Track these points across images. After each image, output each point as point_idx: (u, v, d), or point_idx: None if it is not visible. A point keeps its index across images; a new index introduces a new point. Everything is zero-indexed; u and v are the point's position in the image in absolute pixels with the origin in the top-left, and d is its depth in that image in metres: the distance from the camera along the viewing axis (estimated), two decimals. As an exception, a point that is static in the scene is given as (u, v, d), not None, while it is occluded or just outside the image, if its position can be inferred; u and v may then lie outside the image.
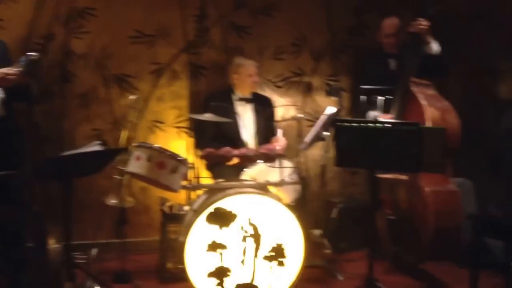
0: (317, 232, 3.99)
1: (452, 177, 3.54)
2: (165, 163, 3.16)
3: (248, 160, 3.48)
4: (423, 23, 3.63)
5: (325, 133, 3.65)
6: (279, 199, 3.24)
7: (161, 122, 4.20)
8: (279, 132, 3.78)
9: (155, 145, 3.31)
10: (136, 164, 3.20)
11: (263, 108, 3.97)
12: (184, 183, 3.27)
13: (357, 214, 4.04)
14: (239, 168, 3.56)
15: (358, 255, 3.73)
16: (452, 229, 3.37)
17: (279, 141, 3.72)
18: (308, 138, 3.70)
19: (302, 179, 3.63)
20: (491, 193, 3.23)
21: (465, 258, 3.32)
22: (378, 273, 3.26)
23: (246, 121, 3.91)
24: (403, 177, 3.58)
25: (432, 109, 3.52)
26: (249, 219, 3.07)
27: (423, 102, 3.54)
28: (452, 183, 3.47)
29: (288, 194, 3.53)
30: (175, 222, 3.42)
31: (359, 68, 4.26)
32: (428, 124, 3.43)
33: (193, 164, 3.40)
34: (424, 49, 3.69)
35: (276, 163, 3.42)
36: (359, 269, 3.24)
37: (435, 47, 3.70)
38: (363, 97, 3.75)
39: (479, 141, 3.79)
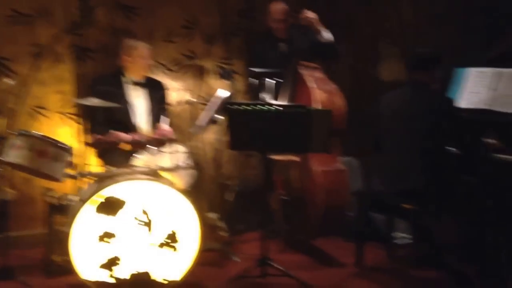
0: (213, 215, 3.99)
1: (341, 156, 3.71)
2: (47, 152, 3.00)
3: (139, 146, 3.39)
4: (310, 15, 3.73)
5: (218, 116, 3.64)
6: (172, 185, 3.19)
7: (44, 108, 3.96)
8: (164, 120, 3.65)
9: (36, 133, 3.12)
10: (15, 154, 3.01)
11: (155, 91, 3.88)
12: (69, 171, 3.13)
13: (252, 196, 4.09)
14: (130, 154, 3.46)
15: (254, 236, 3.79)
16: (340, 206, 3.53)
17: (162, 129, 3.60)
18: (200, 121, 3.67)
19: (196, 164, 3.60)
20: (375, 170, 3.41)
21: (351, 232, 3.50)
22: (272, 252, 3.35)
23: (138, 105, 3.80)
24: (295, 158, 3.69)
25: (320, 92, 3.64)
26: (140, 206, 3.02)
27: (311, 85, 3.66)
28: (339, 162, 3.63)
29: (183, 179, 3.49)
30: (63, 213, 3.26)
31: (250, 52, 4.28)
32: (317, 106, 3.54)
33: (80, 151, 3.25)
34: (315, 37, 3.81)
35: (169, 148, 3.37)
36: (255, 250, 3.29)
37: (325, 35, 3.83)
38: (254, 80, 3.78)
39: (365, 122, 3.97)
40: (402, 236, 3.70)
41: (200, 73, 4.39)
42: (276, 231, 3.87)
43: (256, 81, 3.75)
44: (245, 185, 4.23)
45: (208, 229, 3.39)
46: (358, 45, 4.55)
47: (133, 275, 3.00)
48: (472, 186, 3.05)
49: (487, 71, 3.39)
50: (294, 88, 3.76)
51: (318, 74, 3.79)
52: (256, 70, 3.73)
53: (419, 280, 3.27)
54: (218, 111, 3.61)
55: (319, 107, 3.54)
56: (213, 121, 3.67)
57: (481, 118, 3.27)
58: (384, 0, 4.49)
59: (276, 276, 3.16)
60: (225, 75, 3.93)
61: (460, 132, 3.07)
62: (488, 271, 3.02)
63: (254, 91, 3.80)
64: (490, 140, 3.12)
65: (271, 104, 3.17)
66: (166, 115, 3.78)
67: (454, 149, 3.13)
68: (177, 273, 3.09)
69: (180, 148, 3.43)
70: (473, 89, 3.42)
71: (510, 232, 3.01)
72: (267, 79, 3.64)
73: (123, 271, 3.00)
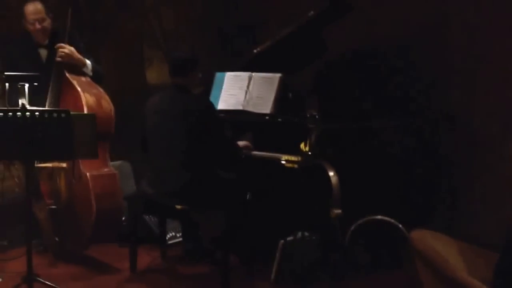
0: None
1: (111, 160, 3.65)
2: None
3: None
4: (64, 51, 3.53)
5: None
6: None
7: None
8: None
9: None
10: None
11: None
12: None
13: (15, 209, 3.78)
14: None
15: (20, 252, 3.51)
16: (112, 211, 3.47)
17: None
18: None
19: None
20: (144, 173, 3.43)
21: (125, 236, 3.47)
22: (41, 267, 3.14)
23: None
24: (63, 164, 3.52)
25: (87, 95, 3.53)
26: None
27: (78, 88, 3.53)
28: (109, 167, 3.57)
29: None
30: None
31: (5, 55, 3.90)
32: (86, 110, 3.43)
33: None
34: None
35: None
36: (22, 267, 3.04)
37: (89, 66, 3.66)
38: (8, 84, 3.47)
39: (135, 125, 3.97)
40: (174, 236, 3.80)
41: None
42: (44, 244, 3.63)
43: (11, 86, 3.45)
44: (7, 197, 3.88)
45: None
46: (122, 48, 4.51)
47: None
48: (232, 182, 3.26)
49: (242, 75, 3.64)
50: (59, 93, 3.58)
51: (84, 78, 3.67)
52: (11, 74, 3.43)
53: (192, 276, 3.38)
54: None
55: (87, 111, 3.43)
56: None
57: (238, 119, 3.50)
58: (144, 2, 4.53)
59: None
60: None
61: (218, 131, 3.22)
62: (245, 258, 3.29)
63: (9, 96, 3.49)
64: (241, 142, 3.37)
65: (29, 110, 2.96)
66: None
67: (212, 148, 3.28)
68: None
69: None
70: (230, 91, 3.65)
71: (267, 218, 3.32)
72: (24, 83, 3.37)
73: None
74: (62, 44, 3.55)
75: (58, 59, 3.55)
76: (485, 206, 3.40)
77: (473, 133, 3.47)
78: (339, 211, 3.00)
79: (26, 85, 3.30)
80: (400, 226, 3.14)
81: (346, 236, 3.10)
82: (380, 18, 3.80)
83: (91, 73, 3.69)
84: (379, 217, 3.14)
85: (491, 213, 3.34)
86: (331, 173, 3.08)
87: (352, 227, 3.12)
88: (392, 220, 3.16)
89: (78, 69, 3.65)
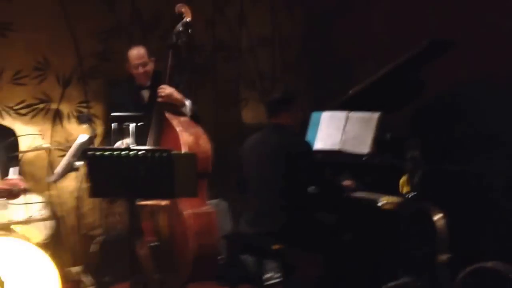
0: (76, 269, 3.73)
1: (209, 199, 3.69)
2: None
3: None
4: (165, 92, 3.62)
5: (77, 163, 3.44)
6: (26, 238, 2.93)
7: None
8: (12, 171, 3.29)
9: None
10: None
11: (2, 139, 3.56)
12: None
13: (118, 245, 3.90)
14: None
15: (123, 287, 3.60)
16: (210, 249, 3.48)
17: (11, 181, 3.28)
18: (58, 169, 3.44)
19: (54, 214, 3.36)
20: (242, 212, 3.45)
21: (224, 276, 3.47)
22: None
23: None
24: (163, 202, 3.59)
25: (186, 135, 3.62)
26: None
27: (177, 128, 3.61)
28: (208, 205, 3.61)
29: (39, 232, 3.23)
30: None
31: (110, 96, 4.13)
32: (183, 149, 3.51)
33: None
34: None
35: (21, 199, 3.10)
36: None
37: (188, 106, 3.75)
38: (114, 125, 3.64)
39: (231, 164, 4.02)
40: (271, 276, 3.75)
41: (55, 117, 4.14)
42: (146, 281, 3.70)
43: (116, 125, 3.62)
44: (111, 234, 4.03)
45: (71, 285, 3.15)
46: (218, 89, 4.62)
47: None
48: (332, 224, 3.19)
49: (338, 115, 3.61)
50: (160, 133, 3.69)
51: (183, 118, 3.77)
52: (117, 114, 3.60)
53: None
54: (77, 157, 3.42)
55: (186, 150, 3.51)
56: (72, 168, 3.46)
57: (335, 159, 3.45)
58: (241, 43, 4.64)
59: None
60: (83, 119, 3.74)
61: (318, 172, 3.20)
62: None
63: (115, 136, 3.66)
64: (345, 181, 3.31)
65: (133, 149, 3.07)
66: (17, 164, 3.48)
67: (313, 188, 3.25)
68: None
69: (35, 198, 3.18)
70: (327, 131, 3.61)
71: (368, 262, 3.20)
72: (129, 124, 3.53)
73: None
74: (164, 86, 3.69)
75: (159, 99, 3.69)
76: None
77: None
78: (446, 255, 2.85)
79: (131, 125, 3.45)
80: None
81: (455, 284, 2.93)
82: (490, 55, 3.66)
83: (190, 113, 3.79)
84: (490, 264, 2.95)
85: None
86: (437, 216, 2.94)
87: (461, 275, 2.95)
88: (503, 268, 2.96)
89: (177, 109, 3.77)
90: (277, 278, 3.73)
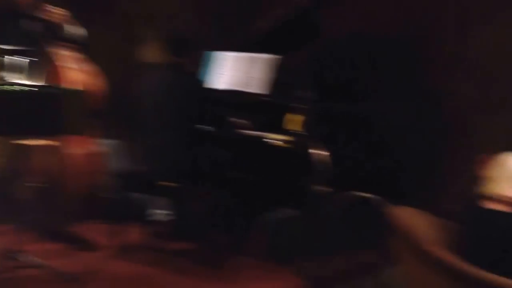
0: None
1: (102, 138, 3.62)
2: None
3: None
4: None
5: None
6: None
7: None
8: None
9: None
10: None
11: None
12: None
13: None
14: None
15: (3, 229, 3.49)
16: (98, 188, 3.46)
17: None
18: None
19: None
20: (136, 151, 3.42)
21: (111, 214, 3.46)
22: (25, 243, 3.09)
23: None
24: (47, 142, 3.49)
25: (76, 72, 3.51)
26: None
27: (66, 64, 3.49)
28: (96, 144, 3.55)
29: None
30: None
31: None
32: (72, 86, 3.39)
33: None
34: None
35: None
36: (5, 243, 3.02)
37: (72, 31, 3.57)
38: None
39: (128, 102, 3.95)
40: (161, 213, 3.78)
41: None
42: (28, 221, 3.61)
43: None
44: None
45: None
46: (118, 26, 4.48)
47: None
48: (223, 161, 3.24)
49: (238, 56, 3.63)
50: (46, 67, 3.54)
51: (74, 54, 3.63)
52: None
53: (179, 252, 3.38)
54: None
55: (75, 87, 3.40)
56: None
57: (233, 99, 3.48)
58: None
59: (28, 268, 2.95)
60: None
61: (213, 111, 3.23)
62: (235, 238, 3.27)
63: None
64: (238, 120, 3.36)
65: (16, 84, 2.93)
66: None
67: (207, 127, 3.28)
68: None
69: None
70: (225, 71, 3.63)
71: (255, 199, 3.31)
72: (14, 57, 3.34)
73: None
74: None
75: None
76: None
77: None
78: (322, 187, 3.01)
79: (22, 59, 3.26)
80: (376, 199, 3.13)
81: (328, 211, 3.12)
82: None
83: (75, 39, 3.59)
84: (354, 192, 3.16)
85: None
86: (319, 152, 3.09)
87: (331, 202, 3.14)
88: (371, 196, 3.17)
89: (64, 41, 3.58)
90: (166, 215, 3.77)
